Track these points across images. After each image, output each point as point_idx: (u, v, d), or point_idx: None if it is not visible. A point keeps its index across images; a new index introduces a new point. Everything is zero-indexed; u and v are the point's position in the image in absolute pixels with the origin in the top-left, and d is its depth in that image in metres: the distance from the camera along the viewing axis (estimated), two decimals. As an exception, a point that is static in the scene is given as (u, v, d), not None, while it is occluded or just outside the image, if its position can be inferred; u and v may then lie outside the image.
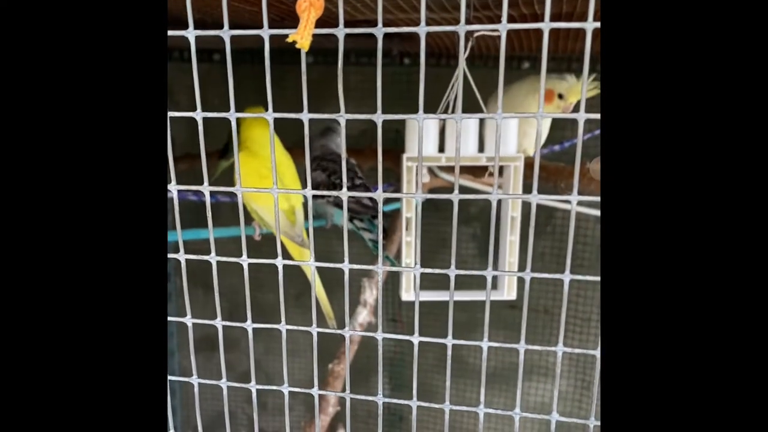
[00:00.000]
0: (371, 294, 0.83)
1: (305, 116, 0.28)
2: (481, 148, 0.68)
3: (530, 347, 0.30)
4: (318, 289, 0.79)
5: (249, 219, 0.81)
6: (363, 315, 0.86)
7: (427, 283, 0.69)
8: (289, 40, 0.25)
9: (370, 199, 0.80)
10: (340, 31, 0.26)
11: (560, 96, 0.76)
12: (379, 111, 0.27)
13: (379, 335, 0.32)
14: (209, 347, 1.32)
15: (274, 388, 0.33)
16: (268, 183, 0.71)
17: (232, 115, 0.29)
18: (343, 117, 0.28)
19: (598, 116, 0.26)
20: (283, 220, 0.72)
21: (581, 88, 0.26)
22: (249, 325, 0.32)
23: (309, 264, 0.31)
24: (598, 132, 0.98)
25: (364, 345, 0.86)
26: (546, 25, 0.25)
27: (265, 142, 0.73)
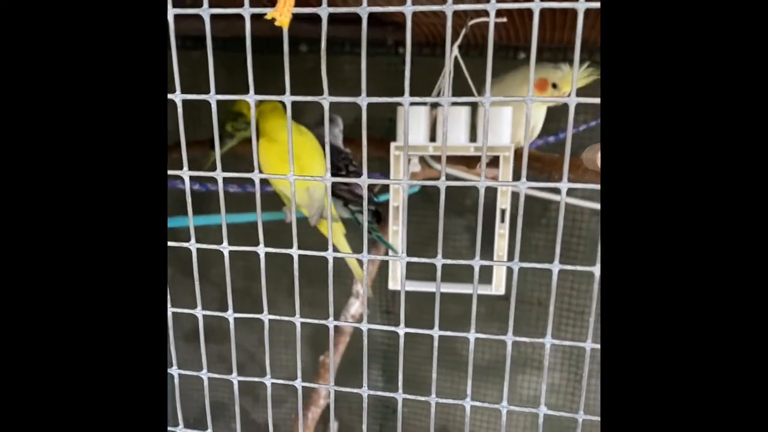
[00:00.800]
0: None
1: (287, 98, 0.27)
2: (473, 140, 0.67)
3: (518, 339, 0.29)
4: (351, 263, 0.80)
5: (280, 204, 0.83)
6: (355, 306, 0.86)
7: (422, 274, 0.68)
8: (268, 17, 0.25)
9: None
10: (323, 10, 0.25)
11: (554, 85, 0.75)
12: (364, 93, 0.26)
13: (365, 326, 0.31)
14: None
15: (256, 379, 0.32)
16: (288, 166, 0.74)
17: (212, 98, 0.28)
18: (326, 100, 0.27)
19: (589, 101, 0.25)
20: (301, 197, 0.76)
21: (574, 75, 0.25)
22: (230, 315, 0.32)
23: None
24: (592, 123, 0.97)
25: (358, 337, 0.85)
26: (536, 5, 0.24)
27: (283, 128, 0.76)
